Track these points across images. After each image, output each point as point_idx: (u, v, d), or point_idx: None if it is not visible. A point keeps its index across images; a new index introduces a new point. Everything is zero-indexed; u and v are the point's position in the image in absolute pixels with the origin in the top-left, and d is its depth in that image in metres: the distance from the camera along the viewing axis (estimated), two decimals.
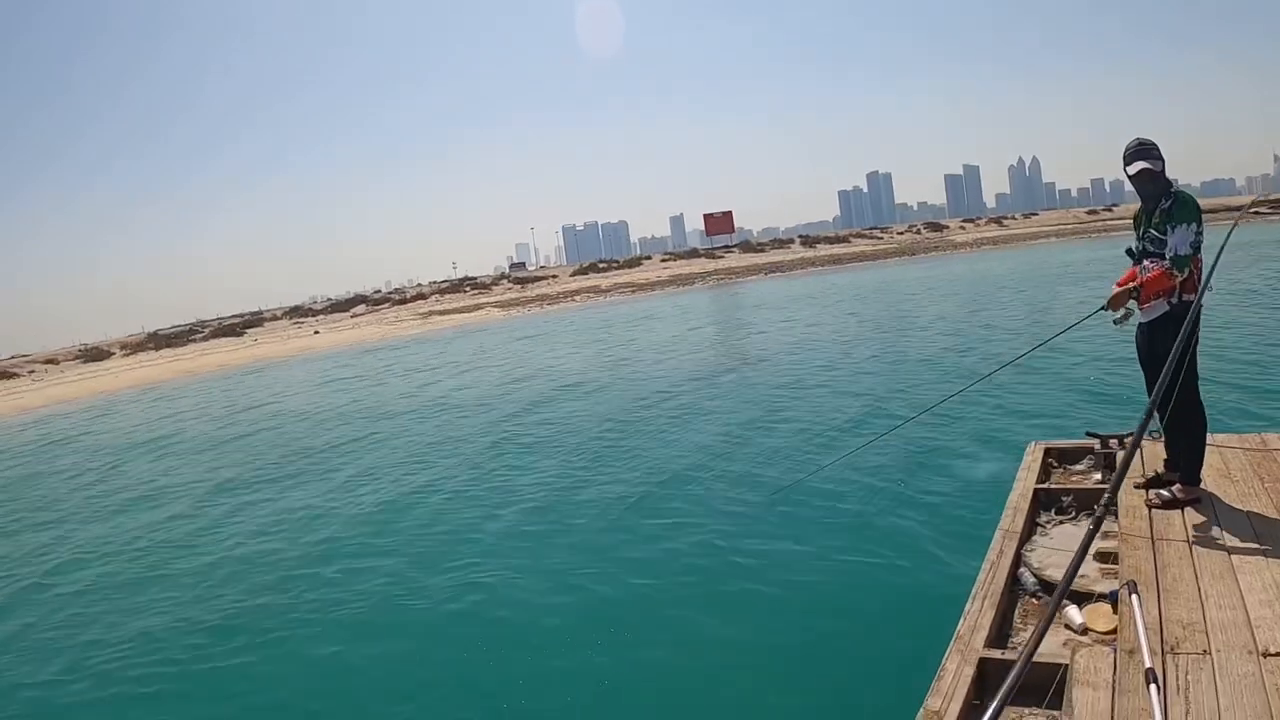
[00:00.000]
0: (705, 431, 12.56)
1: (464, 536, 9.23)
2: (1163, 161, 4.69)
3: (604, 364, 22.31)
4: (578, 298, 54.80)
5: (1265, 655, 3.30)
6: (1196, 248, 4.61)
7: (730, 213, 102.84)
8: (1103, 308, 4.89)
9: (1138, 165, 4.69)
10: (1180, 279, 4.60)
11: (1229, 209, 78.46)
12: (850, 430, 11.33)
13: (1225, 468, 5.32)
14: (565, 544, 8.45)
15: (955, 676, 3.53)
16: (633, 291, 55.78)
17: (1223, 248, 3.03)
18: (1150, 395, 5.09)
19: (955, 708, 3.34)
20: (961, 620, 3.98)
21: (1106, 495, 2.28)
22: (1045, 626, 2.96)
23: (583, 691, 5.67)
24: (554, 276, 77.14)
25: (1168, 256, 4.58)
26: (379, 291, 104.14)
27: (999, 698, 2.99)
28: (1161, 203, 4.68)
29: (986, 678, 3.60)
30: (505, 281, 78.31)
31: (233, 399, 28.39)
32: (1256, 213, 72.89)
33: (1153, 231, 4.71)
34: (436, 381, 23.97)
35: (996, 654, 3.71)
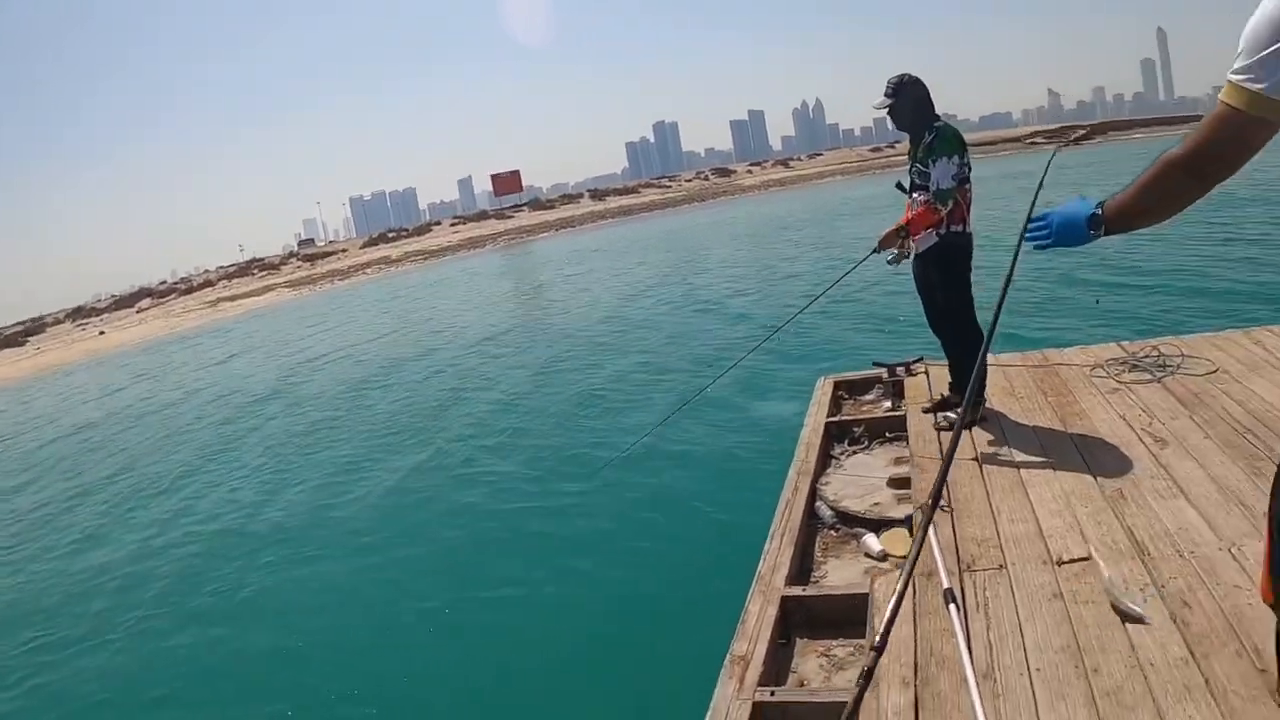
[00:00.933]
0: (505, 403, 12.27)
1: (247, 530, 8.83)
2: (914, 99, 4.79)
3: (391, 341, 21.44)
4: (369, 270, 53.13)
5: (1059, 564, 3.38)
6: (962, 179, 4.74)
7: (518, 172, 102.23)
8: (874, 250, 5.03)
9: (881, 102, 4.85)
10: (945, 211, 4.72)
11: (1008, 140, 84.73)
12: (649, 390, 11.35)
13: (1010, 386, 5.53)
14: (350, 528, 8.17)
15: (759, 618, 3.45)
16: (425, 259, 54.67)
17: (1041, 182, 3.14)
18: (929, 322, 5.29)
19: (761, 649, 3.26)
20: (762, 560, 3.92)
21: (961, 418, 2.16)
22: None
23: (393, 675, 5.49)
24: (344, 250, 74.33)
25: (931, 190, 4.69)
26: (164, 283, 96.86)
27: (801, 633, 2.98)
28: (925, 137, 4.78)
29: (790, 615, 3.55)
30: (295, 260, 74.86)
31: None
32: (1033, 143, 78.82)
33: (918, 165, 4.83)
34: (225, 368, 22.59)
35: (798, 591, 3.66)
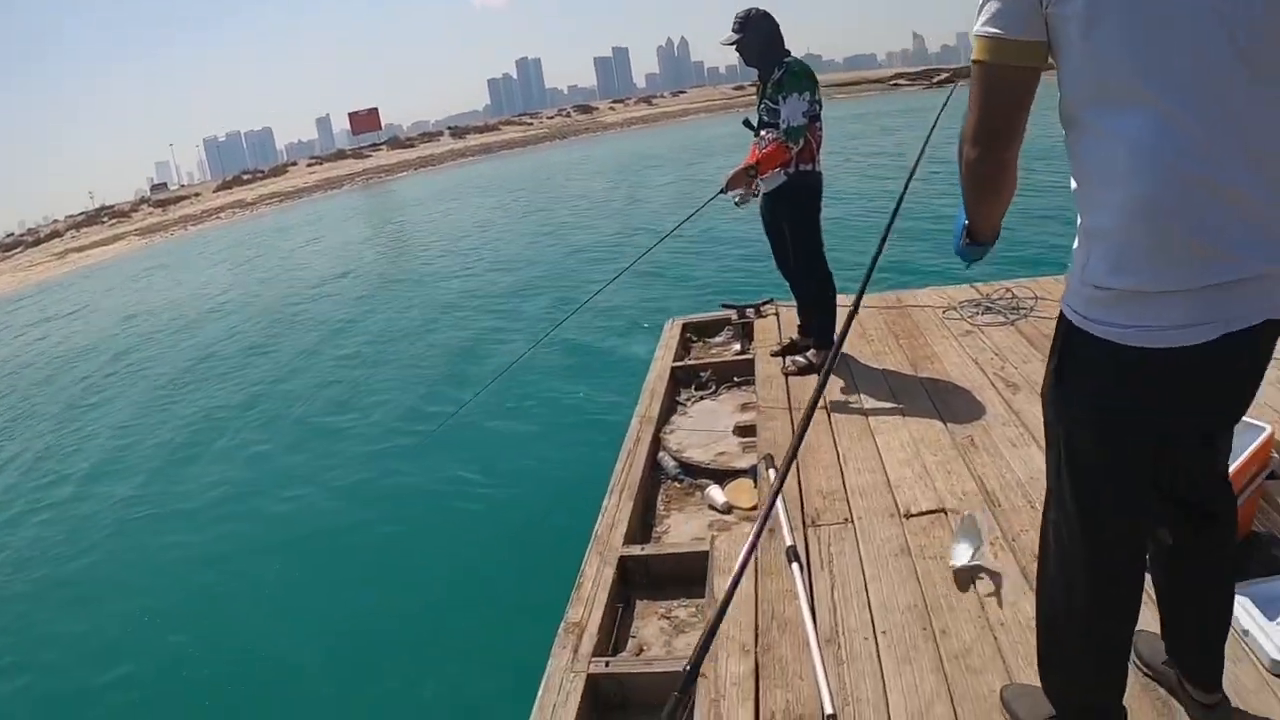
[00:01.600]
0: (346, 356, 11.61)
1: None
2: (763, 34, 4.63)
3: (234, 293, 20.09)
4: (223, 215, 50.63)
5: (907, 516, 3.28)
6: (812, 117, 4.59)
7: (376, 110, 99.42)
8: (721, 191, 4.84)
9: (729, 37, 4.69)
10: (796, 149, 4.57)
11: (872, 81, 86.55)
12: (495, 337, 10.96)
13: (861, 328, 5.45)
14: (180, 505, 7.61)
15: (595, 581, 3.24)
16: (280, 201, 52.53)
17: (933, 128, 3.03)
18: (777, 263, 5.16)
19: (597, 615, 3.05)
20: (600, 518, 3.72)
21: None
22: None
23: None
24: (197, 195, 70.59)
25: (781, 128, 4.53)
26: (11, 235, 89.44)
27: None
28: (774, 73, 4.61)
29: (629, 576, 3.36)
30: (146, 206, 70.65)
31: None
32: (896, 84, 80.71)
33: (767, 103, 4.65)
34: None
35: (637, 550, 3.47)
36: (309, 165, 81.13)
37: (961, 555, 2.89)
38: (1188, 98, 1.44)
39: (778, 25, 4.65)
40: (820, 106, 4.63)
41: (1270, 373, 3.81)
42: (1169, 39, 1.43)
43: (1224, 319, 1.53)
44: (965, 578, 2.85)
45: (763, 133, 4.70)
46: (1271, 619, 2.35)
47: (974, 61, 1.63)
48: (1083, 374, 1.71)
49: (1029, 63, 1.58)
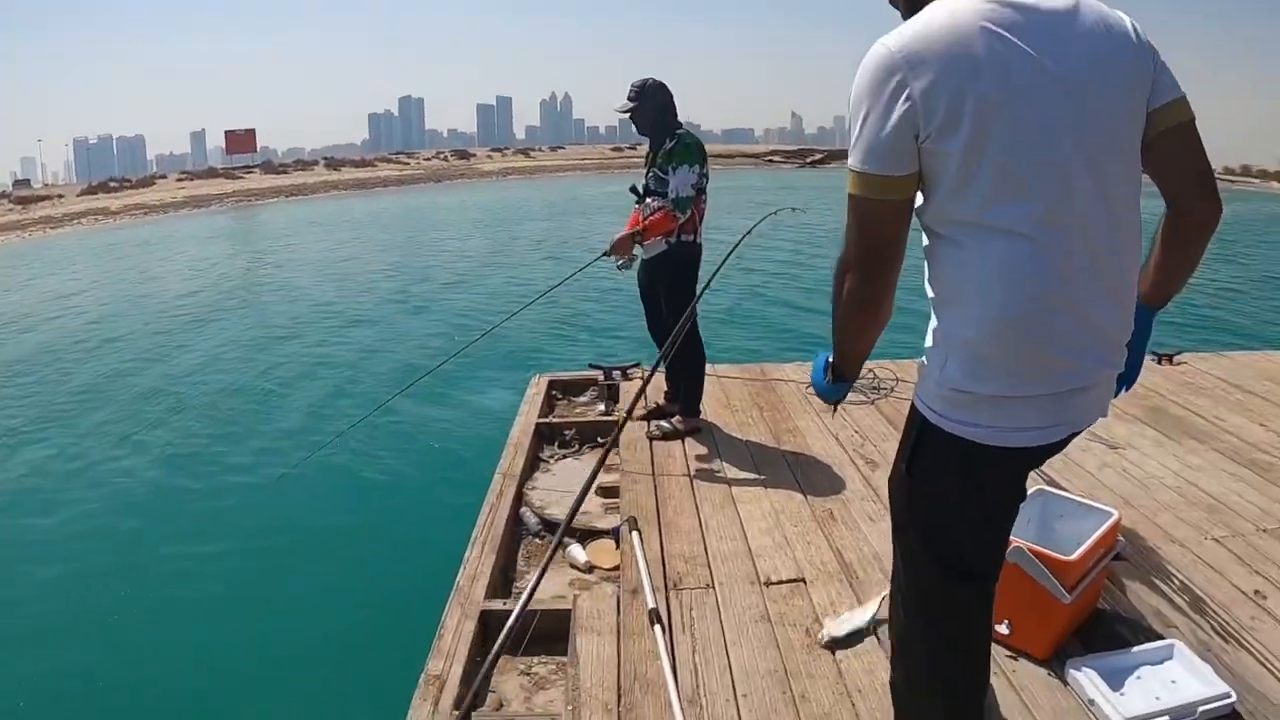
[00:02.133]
0: (190, 387, 10.89)
1: None
2: (657, 104, 4.80)
3: (86, 303, 18.83)
4: (84, 220, 47.97)
5: (767, 584, 3.40)
6: (699, 189, 4.77)
7: (253, 131, 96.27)
8: (605, 254, 4.94)
9: (623, 105, 4.85)
10: (683, 219, 4.73)
11: (747, 155, 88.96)
12: (356, 381, 10.63)
13: (726, 398, 5.62)
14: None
15: (456, 633, 3.23)
16: (146, 213, 50.18)
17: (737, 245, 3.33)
18: (649, 328, 5.30)
19: (458, 669, 3.04)
20: (461, 570, 3.71)
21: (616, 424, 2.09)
22: (542, 573, 2.80)
23: None
24: (60, 196, 66.63)
25: (670, 198, 4.68)
26: None
27: (493, 651, 2.80)
28: (666, 144, 4.77)
29: (490, 630, 3.37)
30: (7, 201, 66.36)
31: None
32: (770, 160, 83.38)
33: (656, 171, 4.80)
34: None
35: (499, 604, 3.48)
36: (179, 180, 78.04)
37: (841, 627, 3.03)
38: (1055, 226, 1.62)
39: (672, 96, 4.83)
40: (707, 180, 4.81)
41: (1116, 462, 4.16)
42: (1043, 174, 1.61)
43: (1070, 422, 1.76)
44: (830, 644, 2.98)
45: (648, 200, 4.83)
46: (1115, 689, 2.60)
47: (850, 195, 1.71)
48: (934, 467, 1.84)
49: (904, 195, 1.69)
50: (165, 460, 8.28)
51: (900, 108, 1.60)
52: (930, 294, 1.80)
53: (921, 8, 1.71)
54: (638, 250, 4.92)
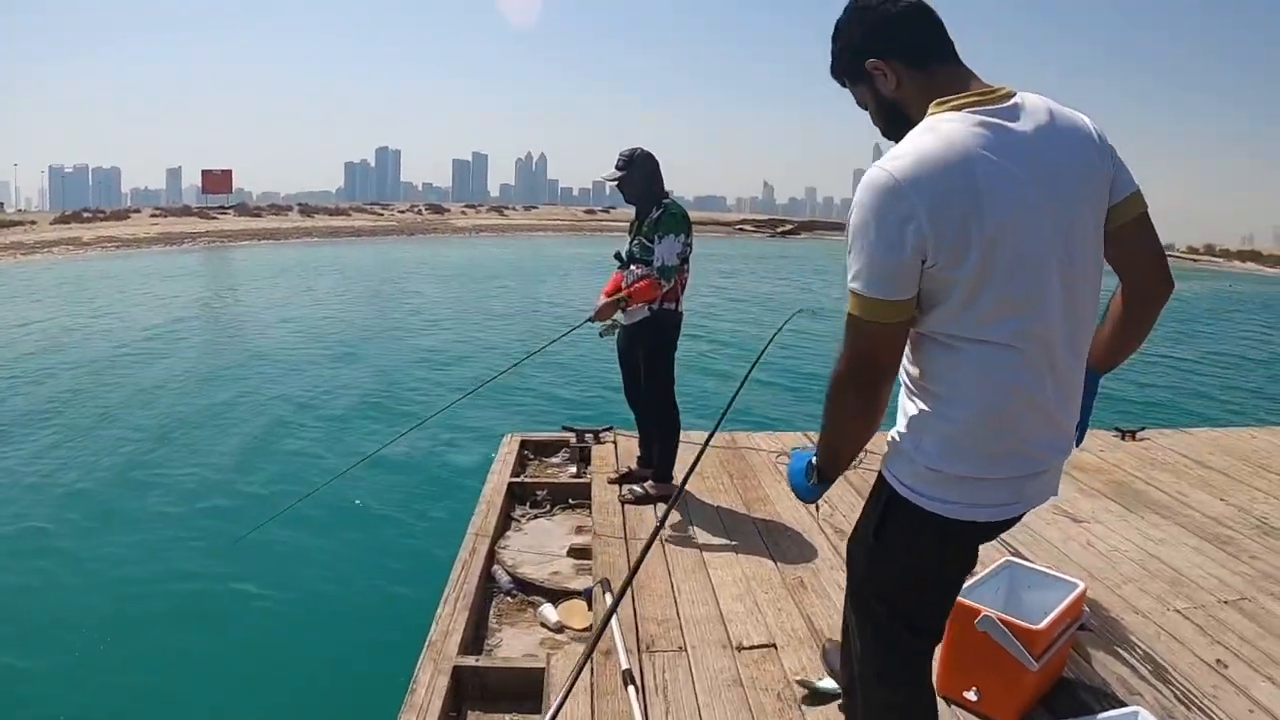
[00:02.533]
0: (148, 433, 10.56)
1: None
2: (645, 173, 4.94)
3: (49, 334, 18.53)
4: (56, 250, 47.63)
5: (739, 649, 3.46)
6: (683, 258, 4.88)
7: (230, 172, 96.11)
8: (589, 319, 5.06)
9: (611, 175, 4.98)
10: (667, 288, 4.85)
11: (718, 223, 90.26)
12: (328, 437, 10.44)
13: (697, 465, 5.68)
14: None
15: (429, 688, 3.26)
16: (118, 247, 49.98)
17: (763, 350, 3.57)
18: (626, 393, 5.39)
19: None
20: (434, 626, 3.73)
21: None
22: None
23: None
24: (33, 223, 66.02)
25: (655, 266, 4.80)
26: None
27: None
28: (652, 212, 4.90)
29: (463, 686, 3.39)
30: None
31: None
32: (741, 229, 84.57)
33: (641, 239, 4.92)
34: None
35: (471, 660, 3.51)
36: (153, 215, 77.84)
37: (824, 681, 3.14)
38: (1035, 339, 1.79)
39: (659, 165, 4.97)
40: (690, 250, 4.93)
41: (1080, 535, 4.29)
42: (1032, 295, 1.77)
43: (1027, 500, 1.96)
44: (797, 709, 3.05)
45: (632, 266, 4.95)
46: None
47: (851, 315, 1.79)
48: (901, 535, 1.98)
49: (905, 318, 1.78)
50: (106, 517, 7.85)
51: (910, 236, 1.69)
52: (910, 382, 1.94)
53: (902, 125, 1.86)
54: (619, 316, 5.02)
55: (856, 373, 1.84)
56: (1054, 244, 1.77)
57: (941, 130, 1.75)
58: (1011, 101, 1.80)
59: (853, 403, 1.88)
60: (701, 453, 2.56)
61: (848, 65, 1.98)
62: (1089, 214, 1.85)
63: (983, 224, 1.69)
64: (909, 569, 2.02)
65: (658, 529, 2.59)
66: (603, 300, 4.98)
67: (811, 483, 2.14)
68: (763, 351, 3.71)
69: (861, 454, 5.56)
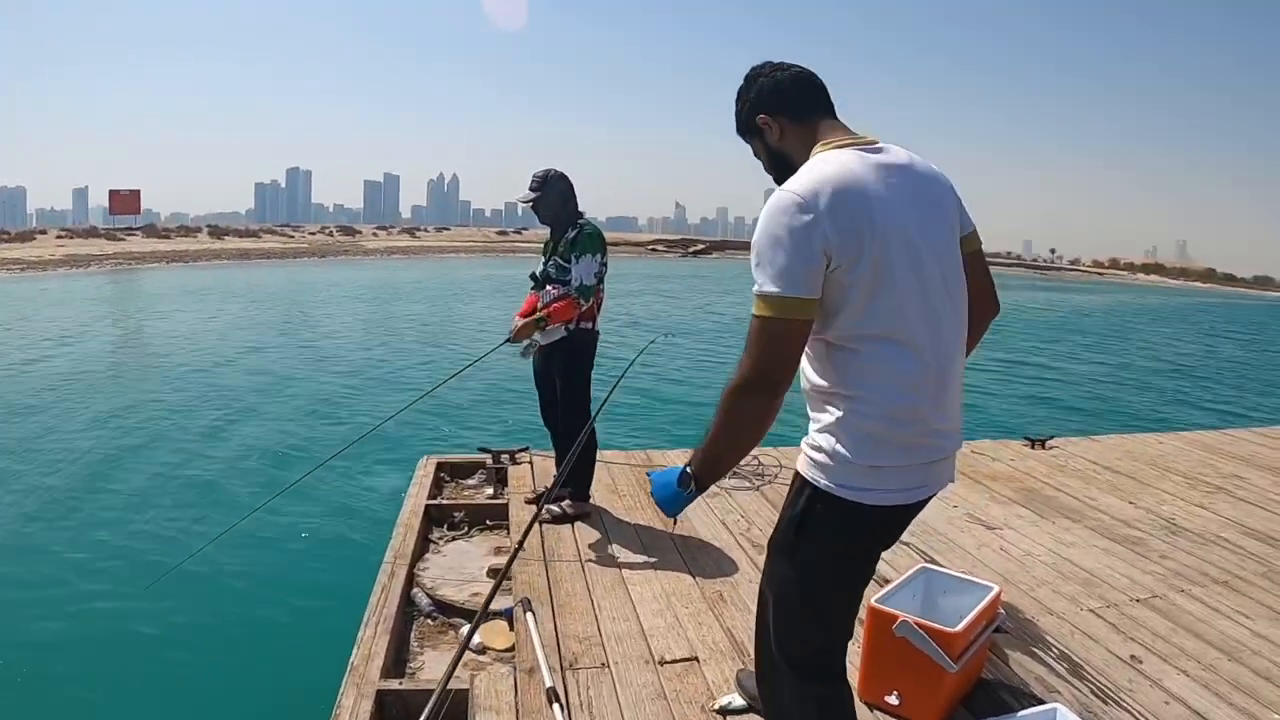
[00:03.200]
0: (51, 462, 10.15)
1: None
2: (559, 193, 4.99)
3: None
4: None
5: (661, 663, 3.51)
6: (599, 278, 4.96)
7: (138, 192, 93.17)
8: (508, 339, 5.08)
9: (525, 197, 5.02)
10: (585, 307, 4.91)
11: (631, 244, 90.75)
12: (243, 475, 9.91)
13: (614, 483, 5.76)
14: None
15: (352, 713, 3.23)
16: (22, 269, 48.29)
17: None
18: (542, 414, 5.42)
19: None
20: (355, 650, 3.71)
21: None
22: (458, 657, 2.85)
23: None
24: None
25: (573, 285, 4.86)
26: None
27: None
28: (568, 233, 4.97)
29: (386, 709, 3.38)
30: None
31: None
32: (654, 249, 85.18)
33: (557, 259, 4.97)
34: None
35: (395, 684, 3.49)
36: (59, 237, 75.43)
37: (736, 701, 3.18)
38: (931, 334, 2.07)
39: (573, 186, 5.02)
40: (606, 269, 4.99)
41: (994, 541, 4.46)
42: (921, 296, 2.05)
43: (934, 483, 2.21)
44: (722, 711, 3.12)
45: (548, 287, 4.99)
46: None
47: (756, 316, 2.00)
48: (825, 528, 2.16)
49: (811, 317, 2.00)
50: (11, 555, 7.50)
51: (816, 240, 1.94)
52: (819, 392, 2.15)
53: (787, 171, 2.15)
54: (537, 336, 5.05)
55: (763, 375, 2.01)
56: (932, 251, 2.09)
57: (830, 158, 2.08)
58: (880, 145, 2.16)
59: (751, 409, 2.06)
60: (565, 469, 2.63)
61: (744, 122, 2.33)
62: (952, 234, 2.20)
63: (874, 231, 1.97)
64: (829, 560, 2.21)
65: (537, 514, 3.34)
66: (520, 321, 5.02)
67: (687, 491, 2.27)
68: (624, 373, 3.77)
69: (776, 467, 5.70)
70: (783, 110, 2.26)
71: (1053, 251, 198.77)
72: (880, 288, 1.99)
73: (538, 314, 4.96)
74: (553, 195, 4.98)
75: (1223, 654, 3.66)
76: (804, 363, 2.17)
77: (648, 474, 2.54)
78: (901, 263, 2.01)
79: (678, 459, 6.29)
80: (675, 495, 2.28)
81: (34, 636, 5.98)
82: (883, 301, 2.00)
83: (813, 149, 2.17)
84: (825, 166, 2.04)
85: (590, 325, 5.04)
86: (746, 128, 2.34)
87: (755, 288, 2.00)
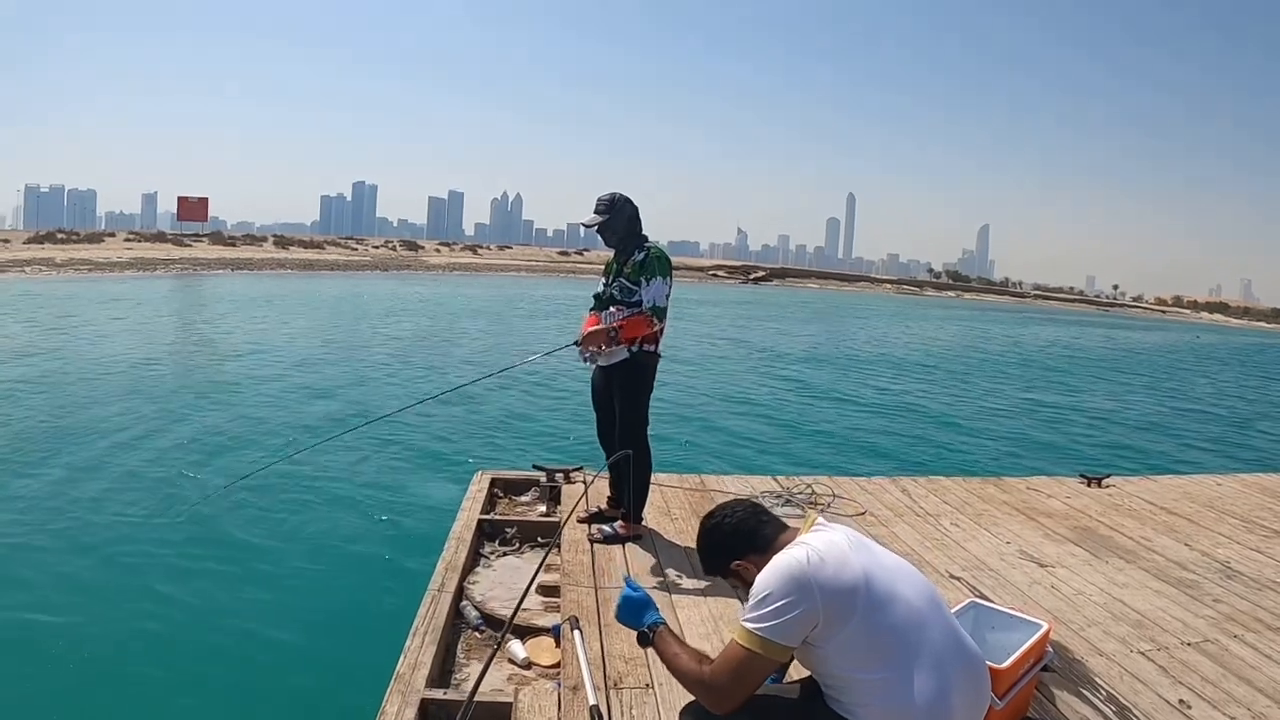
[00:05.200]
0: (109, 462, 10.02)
1: None
2: (626, 217, 5.07)
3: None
4: (28, 269, 47.50)
5: None
6: (669, 300, 5.02)
7: (206, 200, 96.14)
8: (576, 342, 5.13)
9: (593, 220, 5.09)
10: (658, 327, 4.97)
11: (691, 269, 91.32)
12: (283, 461, 10.07)
13: (666, 506, 5.76)
14: None
15: None
16: (90, 270, 49.81)
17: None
18: (599, 434, 5.44)
19: None
20: (402, 659, 3.75)
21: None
22: (487, 665, 2.87)
23: None
24: (6, 242, 65.50)
25: (647, 306, 4.92)
26: None
27: None
28: (635, 255, 5.02)
29: (429, 718, 3.41)
30: None
31: None
32: (715, 275, 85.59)
33: (624, 281, 5.02)
34: None
35: (439, 694, 3.51)
36: (127, 240, 77.51)
37: None
38: (916, 663, 2.32)
39: (638, 210, 5.08)
40: (671, 292, 5.04)
41: (1045, 579, 4.37)
42: (907, 638, 2.34)
43: None
44: None
45: (611, 308, 5.03)
46: None
47: (743, 648, 2.35)
48: None
49: (783, 659, 2.41)
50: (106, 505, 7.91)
51: (806, 607, 2.30)
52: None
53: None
54: (600, 351, 5.09)
55: (728, 692, 2.39)
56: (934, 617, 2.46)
57: (827, 537, 2.47)
58: (819, 522, 2.57)
59: (704, 698, 2.46)
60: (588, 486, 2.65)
61: (719, 569, 2.69)
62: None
63: (863, 601, 2.34)
64: None
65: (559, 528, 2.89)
66: (590, 328, 5.07)
67: (645, 627, 2.67)
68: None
69: (829, 496, 5.64)
70: (751, 549, 2.60)
71: (1115, 288, 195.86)
72: (870, 651, 2.38)
73: (612, 324, 5.00)
74: (620, 219, 5.05)
75: (1273, 701, 3.56)
76: None
77: (626, 582, 2.82)
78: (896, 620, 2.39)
79: (732, 485, 6.28)
80: (635, 619, 2.69)
81: (80, 611, 6.17)
82: (868, 655, 2.37)
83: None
84: (823, 542, 2.46)
85: (653, 348, 5.08)
86: (721, 572, 2.71)
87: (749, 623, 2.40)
